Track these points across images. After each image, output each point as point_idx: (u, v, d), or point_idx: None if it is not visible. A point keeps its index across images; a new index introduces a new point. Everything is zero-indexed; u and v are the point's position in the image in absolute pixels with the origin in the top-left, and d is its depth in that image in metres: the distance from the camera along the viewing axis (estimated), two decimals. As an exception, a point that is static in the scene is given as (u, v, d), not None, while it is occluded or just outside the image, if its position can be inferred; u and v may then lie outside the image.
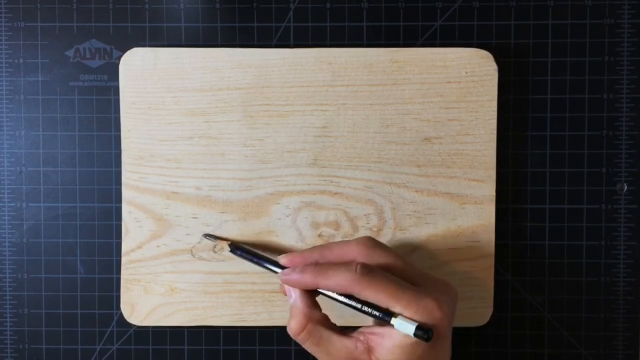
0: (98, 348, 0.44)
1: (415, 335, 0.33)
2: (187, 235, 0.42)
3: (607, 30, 0.43)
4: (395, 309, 0.33)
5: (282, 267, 0.38)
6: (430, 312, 0.33)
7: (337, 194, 0.42)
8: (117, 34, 0.43)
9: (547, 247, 0.43)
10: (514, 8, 0.43)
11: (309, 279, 0.35)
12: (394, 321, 0.33)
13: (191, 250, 0.42)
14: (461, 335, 0.43)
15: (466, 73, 0.41)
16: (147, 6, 0.43)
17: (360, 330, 0.36)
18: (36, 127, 0.43)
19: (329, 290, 0.35)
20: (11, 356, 0.44)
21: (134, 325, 0.43)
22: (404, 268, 0.36)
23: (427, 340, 0.33)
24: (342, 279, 0.34)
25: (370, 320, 0.35)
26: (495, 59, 0.41)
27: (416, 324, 0.33)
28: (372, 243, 0.37)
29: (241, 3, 0.43)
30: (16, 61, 0.43)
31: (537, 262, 0.43)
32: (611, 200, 0.43)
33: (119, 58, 0.42)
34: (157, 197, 0.42)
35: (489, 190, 0.42)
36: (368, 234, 0.42)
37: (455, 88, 0.41)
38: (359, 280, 0.34)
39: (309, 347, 0.36)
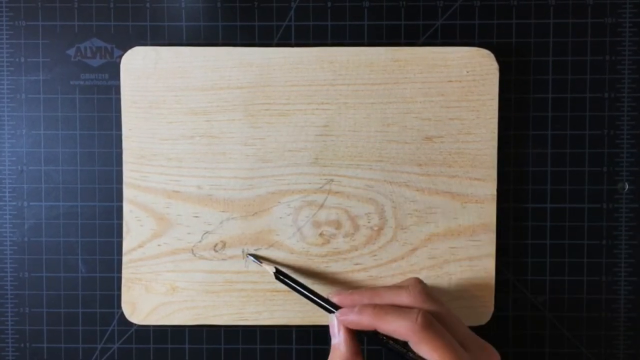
0: (99, 347, 0.44)
1: None
2: (188, 234, 0.42)
3: (608, 29, 0.43)
4: None
5: (332, 304, 0.37)
6: None
7: (337, 192, 0.42)
8: (118, 32, 0.43)
9: (548, 246, 0.43)
10: (515, 7, 0.43)
11: (367, 321, 0.35)
12: None
13: (192, 249, 0.42)
14: (462, 334, 0.43)
15: (467, 72, 0.41)
16: (148, 5, 0.43)
17: None
18: (37, 126, 0.43)
19: (385, 333, 0.35)
20: (12, 355, 0.44)
21: (135, 324, 0.43)
22: (454, 322, 0.35)
23: None
24: (402, 326, 0.34)
25: None
26: (496, 57, 0.41)
27: None
28: (424, 291, 0.36)
29: (242, 2, 0.43)
30: (17, 60, 0.43)
31: (538, 261, 0.43)
32: (612, 199, 0.43)
33: (120, 57, 0.42)
34: (158, 196, 0.42)
35: (490, 189, 0.42)
36: (369, 232, 0.42)
37: (456, 87, 0.41)
38: (419, 331, 0.33)
39: None
